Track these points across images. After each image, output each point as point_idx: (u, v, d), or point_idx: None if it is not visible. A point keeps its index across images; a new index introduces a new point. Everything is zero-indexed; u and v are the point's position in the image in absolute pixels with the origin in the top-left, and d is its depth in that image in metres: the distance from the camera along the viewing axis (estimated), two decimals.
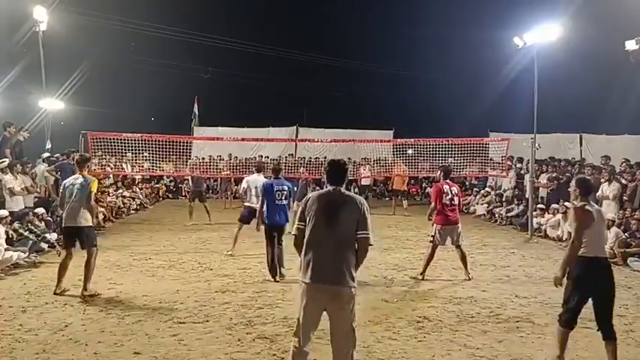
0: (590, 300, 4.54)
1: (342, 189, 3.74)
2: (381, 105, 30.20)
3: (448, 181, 7.77)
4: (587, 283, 4.45)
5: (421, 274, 7.62)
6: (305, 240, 3.65)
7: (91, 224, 6.69)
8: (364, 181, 17.96)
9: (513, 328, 5.50)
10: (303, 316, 3.62)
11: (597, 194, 11.16)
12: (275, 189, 7.41)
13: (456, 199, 7.64)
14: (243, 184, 9.10)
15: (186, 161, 17.60)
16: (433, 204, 7.70)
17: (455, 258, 7.87)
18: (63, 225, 6.80)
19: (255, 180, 8.76)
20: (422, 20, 28.01)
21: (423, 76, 29.06)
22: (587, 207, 4.51)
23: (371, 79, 31.34)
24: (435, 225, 7.62)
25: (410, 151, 15.85)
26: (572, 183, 4.87)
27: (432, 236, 7.62)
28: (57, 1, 15.39)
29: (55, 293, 6.44)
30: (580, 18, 16.56)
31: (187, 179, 19.84)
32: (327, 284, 3.55)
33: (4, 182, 9.75)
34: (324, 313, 3.61)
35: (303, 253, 3.66)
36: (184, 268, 8.12)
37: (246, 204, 8.94)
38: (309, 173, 15.14)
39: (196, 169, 16.42)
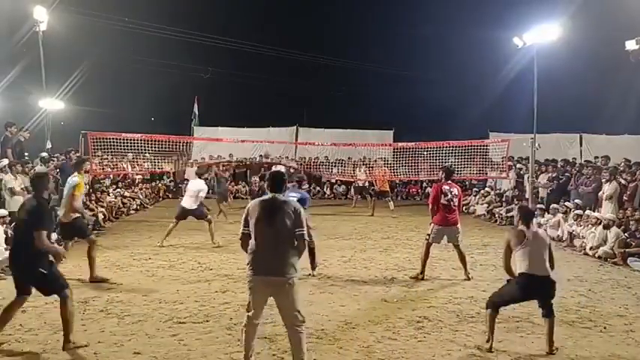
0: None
1: (280, 196, 4.31)
2: (381, 105, 30.24)
3: (449, 182, 7.70)
4: (526, 293, 4.94)
5: (420, 273, 7.61)
6: (251, 240, 4.21)
7: (76, 216, 7.17)
8: (360, 182, 17.96)
9: (513, 328, 5.50)
10: (252, 302, 4.27)
11: (599, 194, 11.18)
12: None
13: (455, 200, 7.58)
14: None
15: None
16: (430, 205, 7.69)
17: (455, 258, 7.87)
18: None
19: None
20: (422, 20, 28.05)
21: (423, 76, 29.07)
22: (521, 229, 4.97)
23: (371, 79, 31.39)
24: (432, 224, 7.61)
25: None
26: (515, 211, 5.39)
27: (428, 234, 7.62)
28: (57, 1, 15.39)
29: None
30: (580, 18, 16.57)
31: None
32: (269, 276, 4.14)
33: (4, 182, 9.76)
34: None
35: (249, 251, 4.24)
36: (184, 268, 8.12)
37: None
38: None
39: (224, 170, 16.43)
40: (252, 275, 4.22)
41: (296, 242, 4.19)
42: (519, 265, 4.86)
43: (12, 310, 4.86)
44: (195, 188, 10.05)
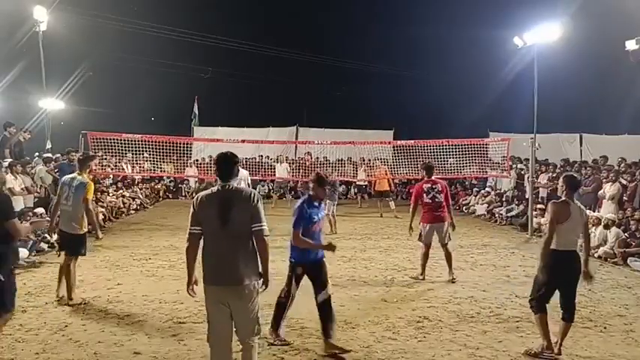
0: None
1: (233, 184, 3.63)
2: (381, 105, 30.19)
3: (433, 178, 7.65)
4: (555, 273, 4.66)
5: (421, 274, 7.59)
6: (202, 243, 3.60)
7: (82, 232, 6.09)
8: (360, 182, 17.97)
9: (513, 328, 5.50)
10: (211, 321, 3.61)
11: (599, 193, 11.18)
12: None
13: (439, 196, 7.48)
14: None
15: (187, 162, 17.62)
16: (412, 204, 7.68)
17: (455, 258, 7.86)
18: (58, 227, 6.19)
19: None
20: (422, 20, 27.96)
21: (423, 76, 29.07)
22: (566, 200, 4.73)
23: (371, 79, 31.37)
24: (421, 223, 7.58)
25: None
26: (560, 180, 5.00)
27: (420, 235, 7.60)
28: (57, 1, 15.39)
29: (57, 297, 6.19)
30: (580, 18, 16.55)
31: (187, 180, 19.92)
32: (226, 285, 3.53)
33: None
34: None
35: (201, 256, 3.61)
36: (184, 268, 8.10)
37: None
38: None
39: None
40: (207, 286, 3.57)
41: (254, 240, 3.58)
42: (552, 243, 4.63)
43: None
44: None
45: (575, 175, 5.18)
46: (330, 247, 4.78)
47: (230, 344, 3.63)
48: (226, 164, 3.66)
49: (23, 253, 8.05)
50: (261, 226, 3.56)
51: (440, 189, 7.53)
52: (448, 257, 7.53)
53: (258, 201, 3.59)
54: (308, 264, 4.85)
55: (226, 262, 3.53)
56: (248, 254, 3.57)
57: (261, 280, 3.67)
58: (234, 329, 3.62)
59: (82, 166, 6.39)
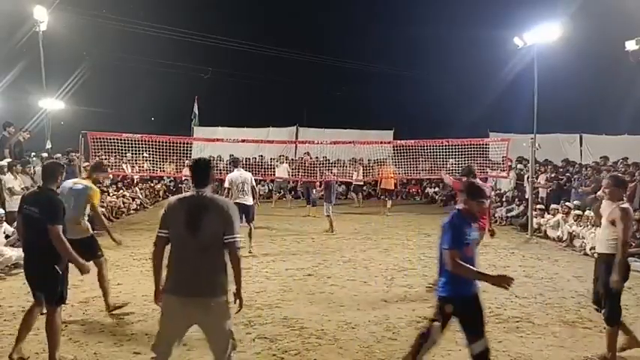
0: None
1: (207, 192, 3.45)
2: (381, 105, 30.21)
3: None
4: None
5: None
6: (170, 249, 3.42)
7: (89, 234, 5.85)
8: (357, 182, 18.02)
9: (513, 328, 5.50)
10: (162, 331, 3.40)
11: (598, 193, 11.16)
12: None
13: (485, 202, 7.01)
14: (226, 184, 9.21)
15: (187, 162, 17.55)
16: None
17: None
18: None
19: (238, 177, 9.03)
20: (422, 20, 28.00)
21: (423, 76, 29.10)
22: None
23: (371, 79, 31.39)
24: None
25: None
26: (605, 182, 4.84)
27: None
28: (57, 1, 15.40)
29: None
30: (580, 18, 16.57)
31: (187, 180, 19.90)
32: (194, 297, 3.30)
33: (3, 182, 9.77)
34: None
35: (167, 263, 3.42)
36: None
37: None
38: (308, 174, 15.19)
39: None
40: (168, 295, 3.36)
41: (228, 253, 3.37)
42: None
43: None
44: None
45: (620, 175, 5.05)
46: (502, 280, 3.66)
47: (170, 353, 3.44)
48: (201, 170, 3.52)
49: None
50: (234, 237, 3.36)
51: (489, 194, 7.14)
52: None
53: (232, 211, 3.41)
54: (460, 300, 3.79)
55: (192, 273, 3.30)
56: (217, 267, 3.35)
57: (234, 297, 3.45)
58: (209, 346, 3.45)
59: (92, 172, 6.23)
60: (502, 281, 3.63)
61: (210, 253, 3.33)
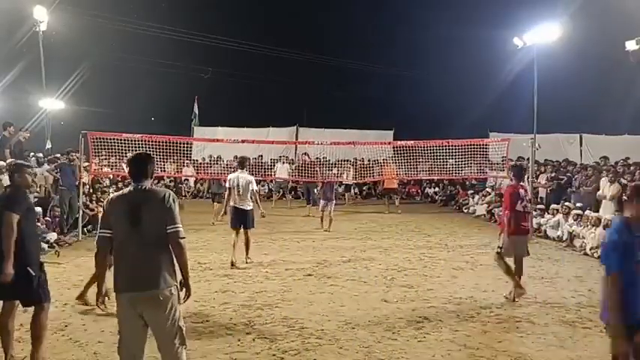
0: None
1: (146, 185, 3.44)
2: (381, 105, 30.22)
3: (522, 184, 6.74)
4: None
5: (516, 287, 6.45)
6: (113, 248, 3.40)
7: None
8: (348, 181, 18.05)
9: (513, 328, 5.50)
10: (121, 334, 3.37)
11: (598, 193, 11.18)
12: None
13: (528, 205, 6.63)
14: (227, 184, 8.57)
15: (186, 162, 17.59)
16: (508, 213, 6.40)
17: (455, 259, 7.84)
18: None
19: (234, 178, 8.33)
20: (422, 20, 28.03)
21: (423, 76, 29.11)
22: None
23: (371, 79, 31.39)
24: (503, 235, 6.48)
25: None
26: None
27: (500, 247, 6.52)
28: (57, 1, 15.41)
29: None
30: (580, 18, 16.56)
31: (187, 179, 19.92)
32: (139, 291, 3.28)
33: (3, 182, 9.75)
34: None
35: (112, 263, 3.42)
36: (184, 267, 8.09)
37: (231, 204, 8.40)
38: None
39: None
40: (118, 295, 3.34)
41: (170, 243, 3.34)
42: None
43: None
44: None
45: None
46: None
47: (142, 358, 3.41)
48: (139, 164, 3.48)
49: None
50: (176, 227, 3.33)
51: (529, 197, 6.79)
52: (519, 269, 6.59)
53: (172, 201, 3.41)
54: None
55: (138, 266, 3.30)
56: (163, 258, 3.34)
57: (182, 288, 3.43)
58: (156, 341, 3.37)
59: None
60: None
61: (154, 245, 3.32)
